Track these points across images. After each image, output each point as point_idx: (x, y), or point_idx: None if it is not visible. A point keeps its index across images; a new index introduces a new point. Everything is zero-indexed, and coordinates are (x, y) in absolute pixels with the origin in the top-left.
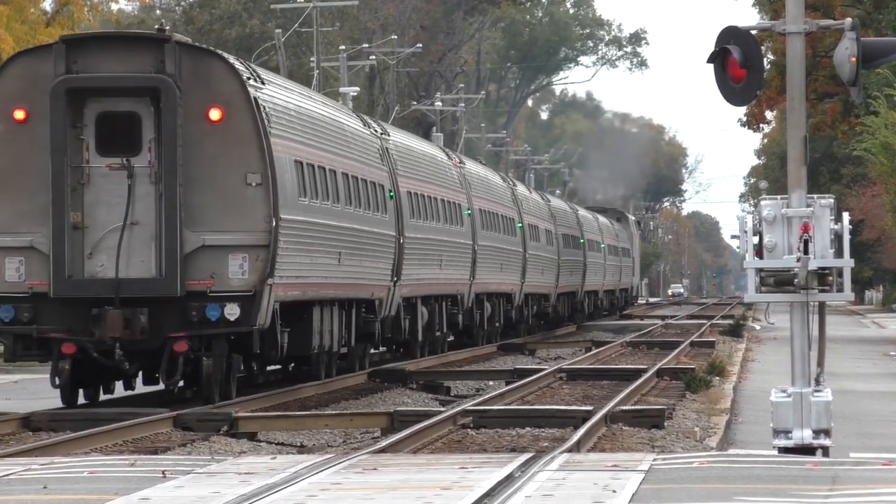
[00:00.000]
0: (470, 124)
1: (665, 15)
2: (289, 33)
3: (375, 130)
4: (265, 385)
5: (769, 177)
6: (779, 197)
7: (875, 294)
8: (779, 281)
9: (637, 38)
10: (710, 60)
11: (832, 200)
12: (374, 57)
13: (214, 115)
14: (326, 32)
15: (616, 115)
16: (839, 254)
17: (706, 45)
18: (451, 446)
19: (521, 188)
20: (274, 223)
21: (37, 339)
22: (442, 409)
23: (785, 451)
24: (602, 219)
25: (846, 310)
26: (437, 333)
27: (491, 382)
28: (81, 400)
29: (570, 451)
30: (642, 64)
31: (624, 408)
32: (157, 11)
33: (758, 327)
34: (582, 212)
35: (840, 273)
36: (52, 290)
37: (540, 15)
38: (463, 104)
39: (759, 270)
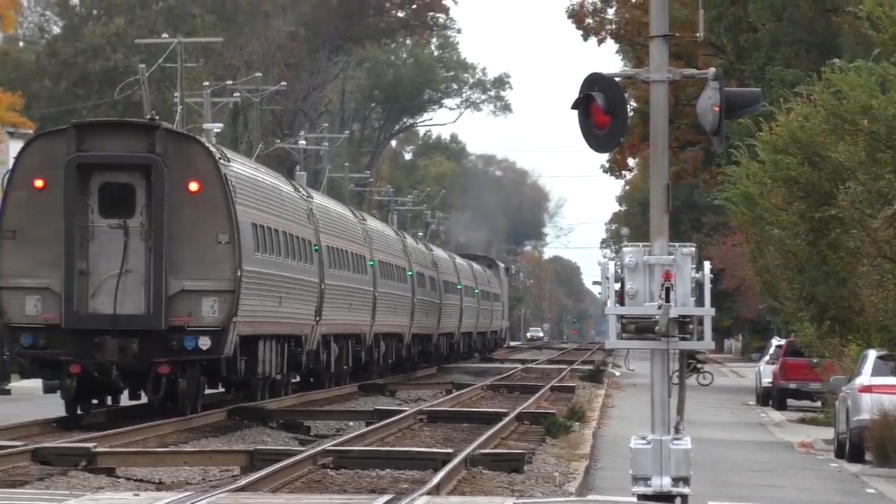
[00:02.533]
0: (333, 163)
1: (529, 59)
2: (153, 68)
3: (303, 194)
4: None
5: (631, 223)
6: (641, 244)
7: (734, 343)
8: (640, 328)
9: (501, 83)
10: (574, 107)
11: (694, 249)
12: (238, 94)
13: (193, 187)
14: (190, 68)
15: (480, 158)
16: (700, 302)
17: (570, 91)
18: (311, 486)
19: (409, 240)
20: (238, 273)
21: (49, 361)
22: (302, 448)
23: (644, 498)
24: (476, 266)
25: (705, 358)
26: (345, 367)
27: (351, 423)
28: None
29: (430, 493)
30: (506, 108)
31: (484, 451)
32: (21, 43)
33: (618, 373)
34: (459, 260)
35: (701, 321)
36: (63, 322)
37: (404, 56)
38: (326, 143)
39: (621, 317)
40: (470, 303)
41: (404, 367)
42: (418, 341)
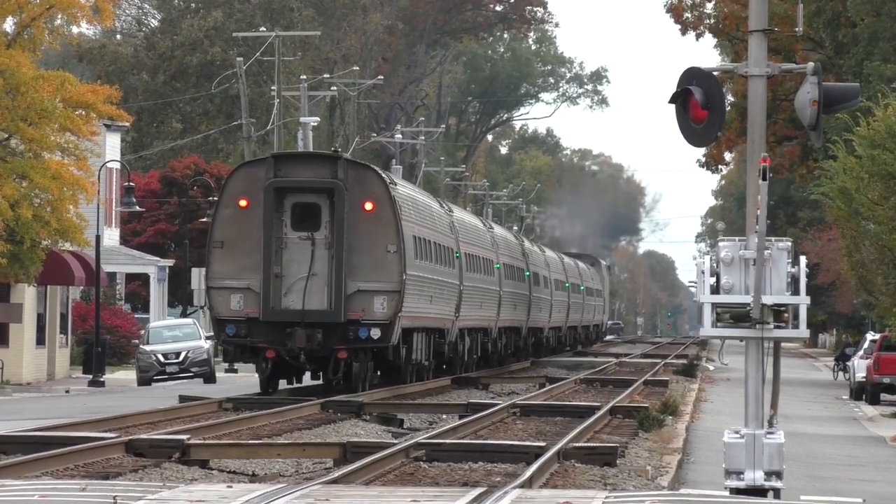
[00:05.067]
0: (429, 157)
1: (627, 54)
2: (250, 62)
3: (446, 209)
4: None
5: (726, 218)
6: (736, 238)
7: (829, 338)
8: (735, 316)
9: (598, 76)
10: (671, 101)
11: (790, 243)
12: (335, 87)
13: (368, 206)
14: (288, 62)
15: (576, 152)
16: (795, 320)
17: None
18: (404, 479)
19: (527, 244)
20: (403, 277)
21: (249, 348)
22: (395, 441)
23: (736, 492)
24: (581, 264)
25: (800, 353)
26: (474, 356)
27: (444, 416)
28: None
29: (522, 486)
30: (603, 102)
31: (577, 445)
32: (119, 36)
33: (711, 368)
34: (567, 260)
35: (796, 313)
36: (261, 315)
37: (502, 50)
38: (423, 137)
39: (715, 306)
40: (576, 299)
41: (520, 356)
42: (531, 334)
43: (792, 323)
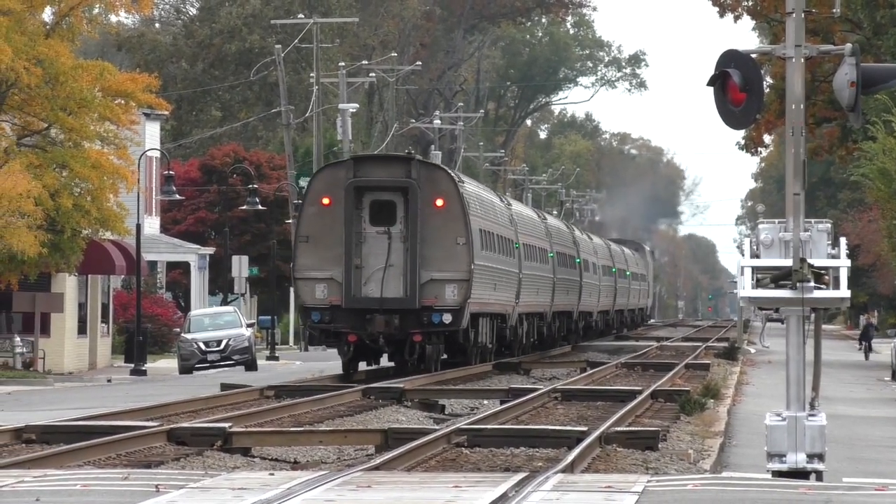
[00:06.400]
0: (468, 143)
1: (665, 37)
2: (288, 49)
3: (506, 203)
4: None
5: (766, 200)
6: (776, 221)
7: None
8: (775, 277)
9: (636, 60)
10: (710, 83)
11: (829, 225)
12: (373, 74)
13: (439, 203)
14: (326, 49)
15: (615, 136)
16: (836, 284)
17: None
18: (446, 465)
19: (577, 232)
20: (472, 267)
21: (333, 333)
22: (436, 427)
23: (779, 474)
24: (626, 250)
25: (840, 335)
26: (532, 339)
27: (486, 401)
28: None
29: (564, 471)
30: (641, 85)
31: (618, 429)
32: (157, 25)
33: (752, 350)
34: (614, 246)
35: (837, 277)
36: (343, 303)
37: (540, 35)
38: (462, 123)
39: (755, 270)
40: (623, 283)
41: (571, 339)
42: (581, 318)
43: (833, 285)
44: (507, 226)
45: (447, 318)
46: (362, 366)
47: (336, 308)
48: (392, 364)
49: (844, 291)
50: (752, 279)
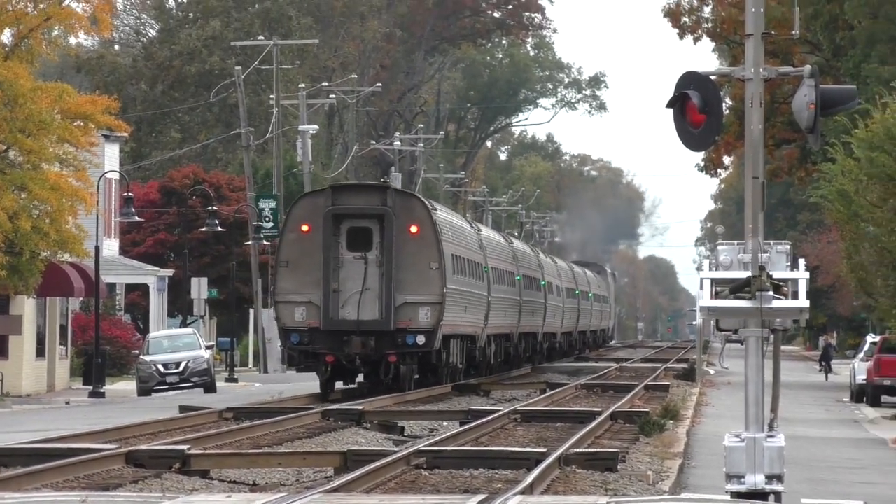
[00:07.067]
0: (429, 164)
1: (625, 59)
2: (248, 71)
3: (476, 228)
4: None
5: (725, 221)
6: (735, 242)
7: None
8: (734, 288)
9: (596, 82)
10: (669, 105)
11: (788, 246)
12: (333, 95)
13: (413, 229)
14: (286, 70)
15: (575, 158)
16: (794, 296)
17: (665, 90)
18: (405, 487)
19: (541, 255)
20: (444, 290)
21: (311, 354)
22: (396, 449)
23: (737, 495)
24: (589, 273)
25: (800, 356)
26: (499, 359)
27: (445, 423)
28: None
29: (523, 493)
30: (601, 107)
31: (578, 450)
32: (117, 47)
33: (712, 372)
34: (577, 269)
35: (796, 290)
36: (322, 325)
37: (500, 56)
38: (422, 144)
39: (714, 282)
40: (585, 305)
41: (535, 360)
42: (546, 339)
43: (791, 297)
44: (476, 250)
45: (421, 339)
46: (339, 385)
47: (314, 330)
48: (354, 384)
49: (803, 301)
50: (712, 291)
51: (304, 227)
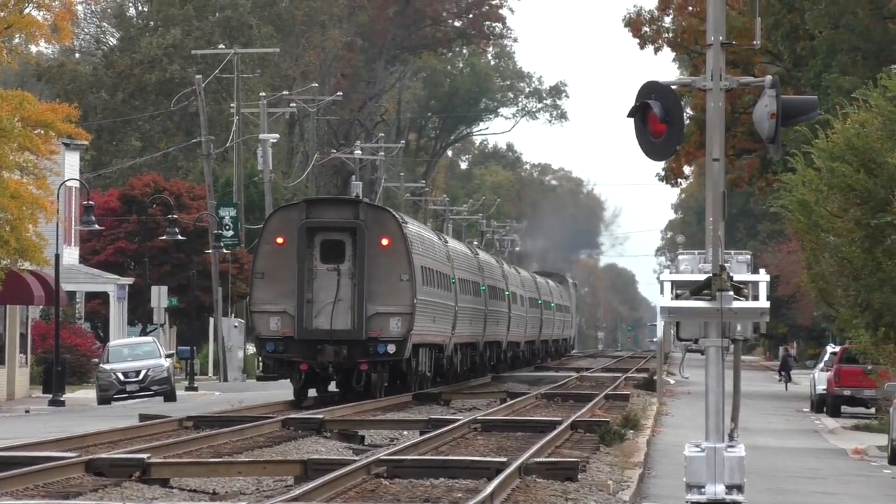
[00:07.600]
0: (389, 173)
1: (585, 68)
2: (209, 79)
3: (444, 241)
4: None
5: (686, 231)
6: (696, 252)
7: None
8: (695, 289)
9: (557, 91)
10: (630, 115)
11: (749, 256)
12: (294, 104)
13: (384, 242)
14: (247, 79)
15: (536, 167)
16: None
17: (626, 99)
18: (365, 496)
19: (505, 266)
20: (414, 301)
21: (286, 362)
22: (356, 458)
23: None
24: (551, 282)
25: (760, 366)
26: (465, 367)
27: (406, 432)
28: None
29: (483, 502)
30: (562, 116)
31: (538, 460)
32: (77, 55)
33: (672, 381)
34: (539, 279)
35: (756, 293)
36: (296, 335)
37: (461, 66)
38: (382, 153)
39: (675, 285)
40: (548, 315)
41: (500, 368)
42: (509, 347)
43: (752, 297)
44: (444, 262)
45: (391, 348)
46: (312, 392)
47: (289, 339)
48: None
49: (764, 302)
50: (672, 294)
51: (279, 240)
